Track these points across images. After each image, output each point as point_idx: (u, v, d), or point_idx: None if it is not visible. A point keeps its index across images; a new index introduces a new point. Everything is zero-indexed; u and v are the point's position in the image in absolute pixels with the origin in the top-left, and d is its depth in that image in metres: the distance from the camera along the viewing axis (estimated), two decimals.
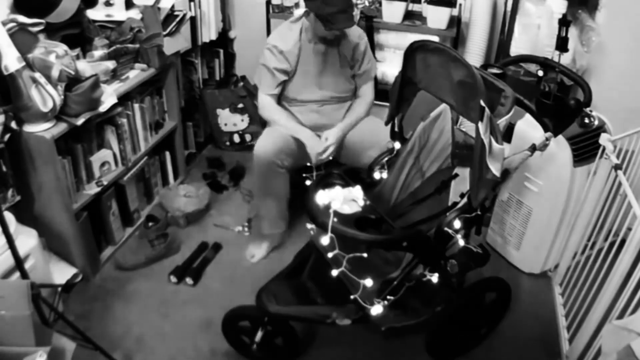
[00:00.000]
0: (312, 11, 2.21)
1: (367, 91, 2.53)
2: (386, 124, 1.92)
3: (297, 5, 3.07)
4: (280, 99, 2.47)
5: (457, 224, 1.59)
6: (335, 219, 1.52)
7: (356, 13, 2.90)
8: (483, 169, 1.46)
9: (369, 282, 1.56)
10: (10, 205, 2.06)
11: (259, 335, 1.89)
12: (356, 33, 2.44)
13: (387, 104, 2.95)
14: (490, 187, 1.51)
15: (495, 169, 1.44)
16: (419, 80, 1.74)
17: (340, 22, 2.17)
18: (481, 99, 1.41)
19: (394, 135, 1.95)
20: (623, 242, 1.78)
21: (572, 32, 2.67)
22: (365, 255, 1.53)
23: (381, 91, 3.06)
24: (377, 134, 2.27)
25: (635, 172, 2.28)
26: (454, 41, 2.97)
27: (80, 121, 2.07)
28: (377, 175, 1.96)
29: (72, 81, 2.02)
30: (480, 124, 1.42)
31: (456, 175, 1.93)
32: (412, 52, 1.70)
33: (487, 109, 1.41)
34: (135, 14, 2.47)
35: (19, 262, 1.66)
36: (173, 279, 2.39)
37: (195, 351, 2.09)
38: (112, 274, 2.43)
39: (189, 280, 2.38)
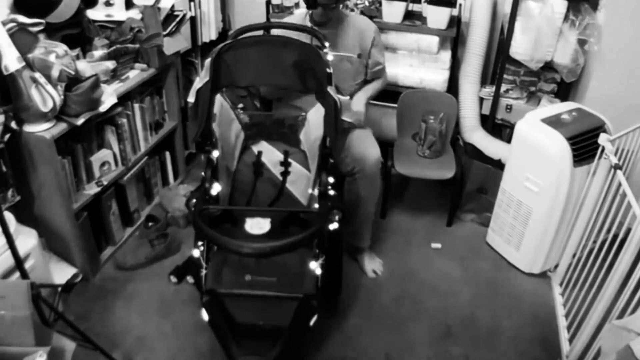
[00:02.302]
0: None
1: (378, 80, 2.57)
2: (192, 141, 1.95)
3: (297, 5, 3.07)
4: None
5: (330, 179, 1.83)
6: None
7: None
8: (338, 122, 1.80)
9: None
10: (10, 205, 2.06)
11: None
12: (363, 22, 2.46)
13: (387, 104, 3.01)
14: (345, 135, 1.98)
15: (347, 117, 1.85)
16: (239, 79, 1.84)
17: None
18: (325, 67, 1.72)
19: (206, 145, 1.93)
20: (623, 241, 1.78)
21: (572, 32, 2.68)
22: None
23: (381, 91, 3.06)
24: (367, 147, 2.30)
25: (636, 172, 2.29)
26: (454, 41, 2.98)
27: (80, 121, 2.07)
28: None
29: (72, 81, 2.02)
30: (329, 88, 1.75)
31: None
32: (219, 56, 1.78)
33: (331, 72, 1.74)
34: (135, 14, 2.47)
35: (19, 262, 1.66)
36: (173, 279, 2.38)
37: (195, 351, 2.09)
38: (112, 274, 2.43)
39: (189, 280, 2.38)
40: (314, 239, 1.67)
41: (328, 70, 1.79)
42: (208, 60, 1.78)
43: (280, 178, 2.11)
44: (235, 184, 2.10)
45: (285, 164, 2.15)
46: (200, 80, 1.81)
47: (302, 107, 2.34)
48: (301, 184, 2.13)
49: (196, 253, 1.70)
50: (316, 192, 1.90)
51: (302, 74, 1.78)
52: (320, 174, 1.90)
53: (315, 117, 2.19)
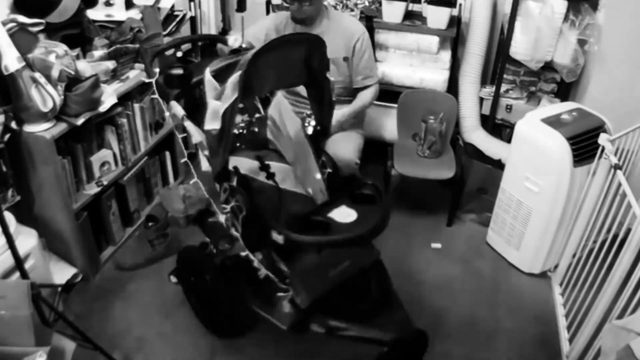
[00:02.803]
0: None
1: (365, 94, 2.54)
2: (216, 177, 1.79)
3: None
4: None
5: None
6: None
7: (356, 14, 2.91)
8: (332, 103, 1.87)
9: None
10: (10, 205, 2.05)
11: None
12: (352, 23, 2.45)
13: (387, 104, 3.01)
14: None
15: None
16: (260, 89, 1.75)
17: None
18: (326, 54, 1.73)
19: (227, 177, 1.84)
20: (623, 241, 1.78)
21: (572, 32, 2.68)
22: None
23: (381, 91, 3.06)
24: (348, 152, 2.31)
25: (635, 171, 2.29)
26: (454, 41, 2.98)
27: (80, 121, 2.07)
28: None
29: (72, 81, 2.02)
30: (328, 73, 1.77)
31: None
32: (249, 68, 1.59)
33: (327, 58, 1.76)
34: (135, 14, 2.47)
35: (19, 262, 1.66)
36: (173, 279, 2.39)
37: (195, 351, 2.09)
38: (112, 274, 2.43)
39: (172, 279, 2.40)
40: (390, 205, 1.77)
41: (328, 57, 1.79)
42: (236, 75, 1.53)
43: (269, 182, 2.08)
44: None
45: (264, 166, 2.11)
46: (225, 100, 1.57)
47: (257, 105, 2.32)
48: (291, 179, 2.11)
49: (263, 272, 1.72)
50: (319, 176, 1.92)
51: (309, 67, 1.76)
52: (319, 158, 1.94)
53: (277, 113, 2.14)
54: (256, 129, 2.27)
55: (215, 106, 1.60)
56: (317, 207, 1.81)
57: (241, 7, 2.67)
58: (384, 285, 1.86)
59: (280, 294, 1.74)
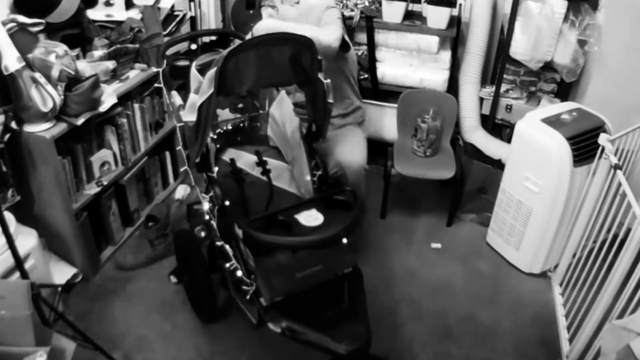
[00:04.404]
0: None
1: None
2: (193, 165, 1.84)
3: (297, 3, 3.06)
4: None
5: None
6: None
7: (356, 14, 2.90)
8: (327, 105, 1.84)
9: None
10: (10, 205, 2.06)
11: None
12: (319, 3, 2.35)
13: (387, 104, 3.01)
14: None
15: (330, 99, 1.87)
16: (239, 85, 1.73)
17: None
18: (317, 55, 1.76)
19: (206, 167, 1.89)
20: (623, 241, 1.78)
21: (572, 32, 2.68)
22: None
23: (381, 91, 3.07)
24: (351, 151, 2.29)
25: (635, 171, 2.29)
26: (454, 41, 2.98)
27: (80, 121, 2.07)
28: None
29: (72, 81, 2.02)
30: (320, 74, 1.79)
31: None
32: (224, 65, 1.62)
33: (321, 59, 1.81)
34: (135, 14, 2.47)
35: (19, 262, 1.66)
36: (173, 279, 2.39)
37: (195, 351, 2.09)
38: (112, 274, 2.43)
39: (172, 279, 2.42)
40: (364, 212, 1.75)
41: (319, 57, 1.80)
42: (212, 71, 1.60)
43: (263, 177, 2.11)
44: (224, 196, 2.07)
45: (261, 162, 2.13)
46: (202, 94, 1.63)
47: (260, 104, 2.35)
48: (286, 177, 2.13)
49: (238, 273, 1.71)
50: (308, 177, 1.95)
51: (295, 66, 1.77)
52: (311, 160, 1.96)
53: (278, 111, 2.18)
54: (258, 124, 2.27)
55: (193, 99, 1.67)
56: (287, 207, 1.81)
57: (250, 4, 2.63)
58: (356, 296, 1.82)
59: (245, 287, 1.72)
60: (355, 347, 1.63)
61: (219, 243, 1.76)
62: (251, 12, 2.61)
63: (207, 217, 1.81)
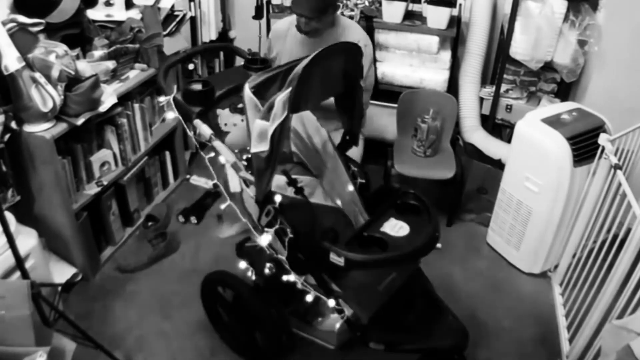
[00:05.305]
0: None
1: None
2: (261, 199, 1.63)
3: None
4: None
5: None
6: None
7: (356, 14, 2.90)
8: (362, 109, 1.82)
9: None
10: (10, 205, 2.05)
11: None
12: (357, 35, 2.37)
13: (388, 104, 3.01)
14: None
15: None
16: (308, 101, 1.58)
17: (297, 6, 2.21)
18: (361, 61, 1.71)
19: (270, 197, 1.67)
20: (623, 241, 1.78)
21: (572, 32, 2.68)
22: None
23: (381, 91, 3.07)
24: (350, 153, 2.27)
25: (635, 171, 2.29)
26: (454, 41, 2.98)
27: (80, 121, 2.07)
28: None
29: (72, 81, 2.02)
30: (361, 80, 1.75)
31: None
32: (301, 81, 1.47)
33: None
34: (135, 14, 2.47)
35: (19, 262, 1.66)
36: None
37: (195, 351, 2.09)
38: (112, 273, 2.43)
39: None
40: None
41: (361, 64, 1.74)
42: (286, 93, 1.42)
43: (298, 197, 1.96)
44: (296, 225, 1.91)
45: (292, 181, 1.97)
46: (273, 119, 1.44)
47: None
48: (319, 192, 2.03)
49: (331, 303, 1.61)
50: (351, 188, 1.87)
51: (345, 76, 1.67)
52: (348, 168, 1.88)
53: (300, 125, 2.04)
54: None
55: (263, 126, 1.47)
56: (366, 222, 1.70)
57: (258, 14, 2.60)
58: (428, 291, 1.81)
59: (334, 315, 1.67)
60: (460, 339, 1.69)
61: (287, 277, 1.62)
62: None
63: (269, 252, 1.62)
